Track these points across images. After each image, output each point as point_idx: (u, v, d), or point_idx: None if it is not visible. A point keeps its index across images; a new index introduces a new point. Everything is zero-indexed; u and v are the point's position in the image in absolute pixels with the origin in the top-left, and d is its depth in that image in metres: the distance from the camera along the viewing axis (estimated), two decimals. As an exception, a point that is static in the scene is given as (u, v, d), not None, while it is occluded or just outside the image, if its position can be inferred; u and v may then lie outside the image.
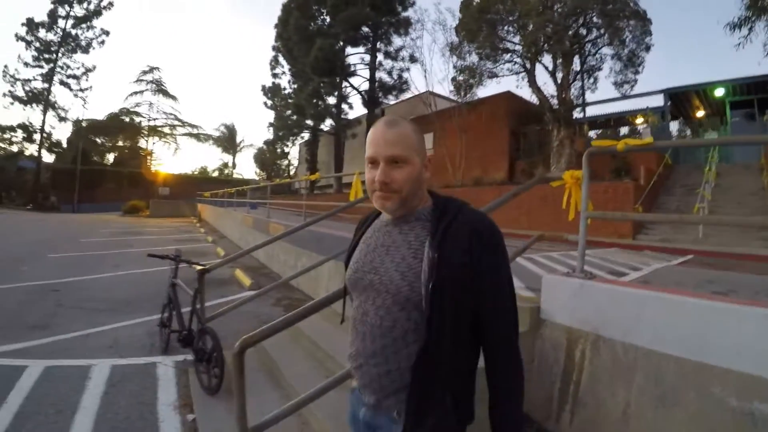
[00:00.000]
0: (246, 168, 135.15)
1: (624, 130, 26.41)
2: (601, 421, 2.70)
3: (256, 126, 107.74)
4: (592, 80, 21.54)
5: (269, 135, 52.31)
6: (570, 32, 18.46)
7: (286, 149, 57.40)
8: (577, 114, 22.50)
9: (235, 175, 64.94)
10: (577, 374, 2.92)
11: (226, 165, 69.00)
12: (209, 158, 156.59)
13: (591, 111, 24.81)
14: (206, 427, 3.13)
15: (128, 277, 9.01)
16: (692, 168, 18.40)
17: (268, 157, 59.82)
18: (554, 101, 19.39)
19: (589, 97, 22.83)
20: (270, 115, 50.75)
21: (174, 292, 4.68)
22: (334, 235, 6.44)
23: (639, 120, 23.61)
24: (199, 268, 4.03)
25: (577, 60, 20.11)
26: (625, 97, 21.68)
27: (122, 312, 6.34)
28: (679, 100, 23.40)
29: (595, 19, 18.61)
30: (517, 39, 20.08)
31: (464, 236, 1.16)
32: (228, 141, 65.00)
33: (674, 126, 24.95)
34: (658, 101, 22.87)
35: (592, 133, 27.25)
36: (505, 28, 20.07)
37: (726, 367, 2.21)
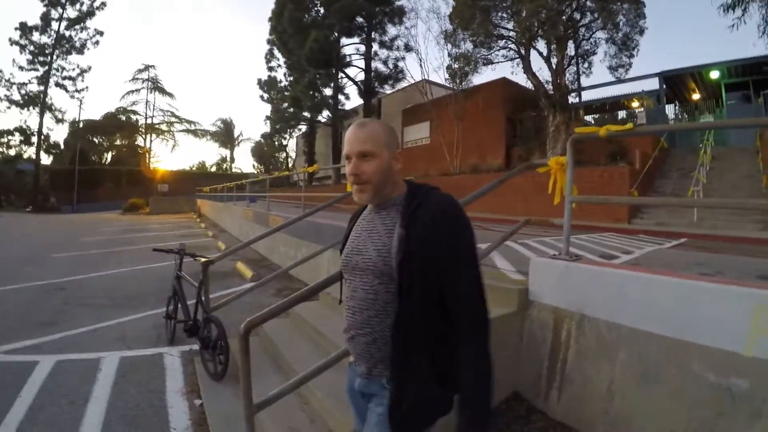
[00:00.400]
0: (244, 162, 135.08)
1: (622, 114, 26.43)
2: (588, 397, 2.79)
3: (254, 119, 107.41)
4: (586, 65, 21.68)
5: (266, 128, 52.38)
6: (564, 17, 18.46)
7: (284, 142, 57.75)
8: (572, 99, 22.54)
9: (233, 170, 65.15)
10: (563, 353, 3.01)
11: (224, 159, 69.15)
12: (207, 153, 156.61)
13: (587, 96, 24.85)
14: (213, 411, 3.29)
15: (131, 273, 9.16)
16: (688, 151, 18.49)
17: (266, 151, 59.90)
18: (549, 87, 19.44)
19: (584, 81, 22.85)
20: (267, 109, 50.73)
21: (179, 285, 4.81)
22: (332, 225, 6.55)
23: (635, 104, 23.63)
24: (203, 260, 4.20)
25: (571, 45, 20.15)
26: (620, 81, 21.75)
27: (128, 307, 6.49)
28: (675, 83, 23.38)
29: (588, 3, 18.59)
30: (510, 25, 20.11)
31: (429, 215, 1.30)
32: (225, 135, 65.06)
33: (670, 109, 24.94)
34: (654, 84, 22.95)
35: (588, 118, 27.26)
36: (499, 14, 20.07)
37: (704, 344, 2.30)
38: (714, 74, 21.40)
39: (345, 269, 1.52)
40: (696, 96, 24.05)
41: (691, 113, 23.75)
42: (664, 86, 22.79)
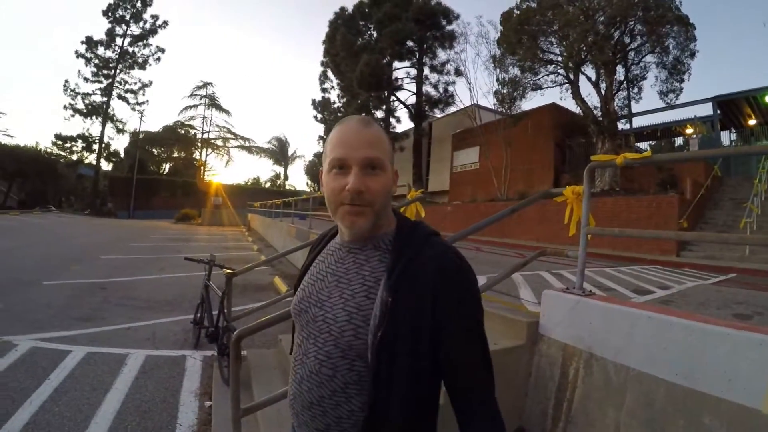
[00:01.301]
0: (298, 179, 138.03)
1: (678, 141, 25.55)
2: None
3: (308, 138, 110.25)
4: (636, 90, 21.20)
5: (320, 148, 53.50)
6: (611, 41, 18.25)
7: (337, 162, 58.33)
8: (622, 125, 22.09)
9: (287, 187, 66.61)
10: (570, 392, 2.88)
11: (278, 176, 70.85)
12: (262, 169, 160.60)
13: (637, 122, 24.24)
14: (219, 413, 3.42)
15: (172, 279, 9.51)
16: (743, 180, 17.71)
17: (319, 170, 60.87)
18: (598, 112, 19.15)
19: (635, 107, 22.35)
20: (320, 129, 51.96)
21: (207, 293, 5.03)
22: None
23: (689, 131, 22.86)
24: (227, 272, 4.39)
25: (620, 70, 19.84)
26: (671, 107, 21.24)
27: (162, 310, 6.79)
28: (729, 108, 22.50)
29: (637, 27, 18.37)
30: (558, 50, 20.00)
31: (427, 276, 0.97)
32: (279, 153, 66.72)
33: (725, 136, 23.99)
34: (707, 110, 22.14)
35: (640, 145, 26.52)
36: (547, 39, 20.02)
37: (717, 395, 2.06)
38: (770, 98, 20.39)
39: (297, 319, 1.14)
40: (752, 122, 23.06)
41: (747, 139, 22.76)
42: (718, 111, 21.92)
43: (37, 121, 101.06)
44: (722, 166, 18.79)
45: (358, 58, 30.24)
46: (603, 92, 18.97)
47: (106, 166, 51.91)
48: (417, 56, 32.67)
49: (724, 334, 2.10)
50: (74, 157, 48.87)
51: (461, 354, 0.98)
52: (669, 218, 13.68)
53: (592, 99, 19.82)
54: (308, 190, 61.64)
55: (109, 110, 47.13)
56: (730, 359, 2.04)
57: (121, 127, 48.65)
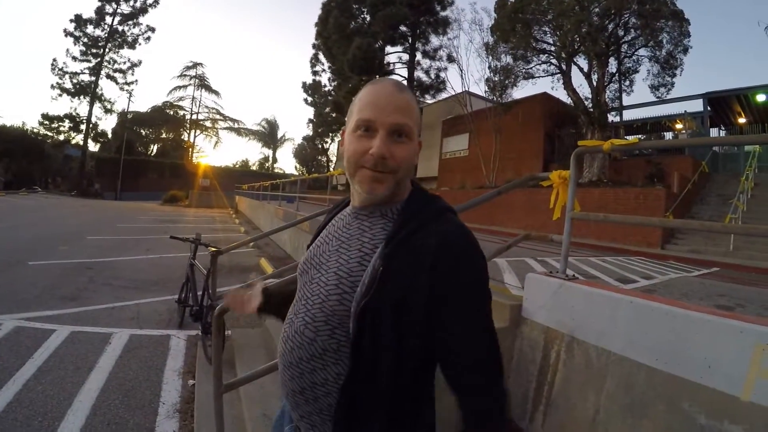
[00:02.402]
0: (287, 162, 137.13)
1: (668, 135, 25.70)
2: (571, 425, 2.65)
3: (297, 121, 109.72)
4: (628, 83, 21.24)
5: (309, 131, 53.43)
6: (605, 33, 18.28)
7: (326, 145, 58.40)
8: (612, 117, 22.15)
9: (276, 170, 66.40)
10: (551, 375, 2.88)
11: (266, 159, 70.56)
12: (250, 151, 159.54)
13: (628, 115, 24.25)
14: (202, 391, 3.44)
15: (159, 260, 9.47)
16: (730, 177, 17.83)
17: (309, 153, 60.76)
18: (589, 104, 19.20)
19: (626, 100, 22.35)
20: (310, 112, 51.74)
21: (192, 272, 5.00)
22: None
23: (679, 126, 23.01)
24: (212, 250, 4.38)
25: (613, 62, 19.88)
26: (662, 101, 21.27)
27: (148, 290, 6.78)
28: (720, 105, 22.73)
29: (632, 20, 18.41)
30: (551, 40, 19.96)
31: (429, 250, 0.91)
32: (269, 136, 66.40)
33: (714, 133, 24.18)
34: (698, 106, 22.29)
35: (631, 138, 26.63)
36: (541, 28, 19.97)
37: (697, 381, 2.07)
38: (761, 97, 20.64)
39: (299, 277, 1.13)
40: (742, 120, 23.29)
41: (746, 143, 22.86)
42: (709, 108, 22.10)
43: (24, 99, 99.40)
44: (710, 163, 18.97)
45: (351, 42, 29.97)
46: (594, 83, 18.98)
47: (93, 146, 51.21)
48: (410, 41, 32.47)
49: (705, 320, 2.11)
50: (61, 137, 48.07)
51: (457, 341, 0.91)
52: (655, 211, 13.74)
53: (584, 90, 19.87)
54: (296, 174, 61.51)
55: (97, 90, 46.32)
56: (711, 346, 2.05)
57: (109, 107, 47.85)
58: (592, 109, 18.82)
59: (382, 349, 0.90)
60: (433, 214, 0.99)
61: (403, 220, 0.97)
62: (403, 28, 31.37)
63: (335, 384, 0.96)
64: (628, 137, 25.68)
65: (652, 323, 2.33)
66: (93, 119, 47.38)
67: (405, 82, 31.25)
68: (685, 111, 22.64)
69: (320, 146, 58.58)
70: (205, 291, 4.52)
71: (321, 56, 41.24)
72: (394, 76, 33.77)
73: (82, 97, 45.99)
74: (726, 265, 10.32)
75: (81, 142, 47.27)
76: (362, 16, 33.42)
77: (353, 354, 0.92)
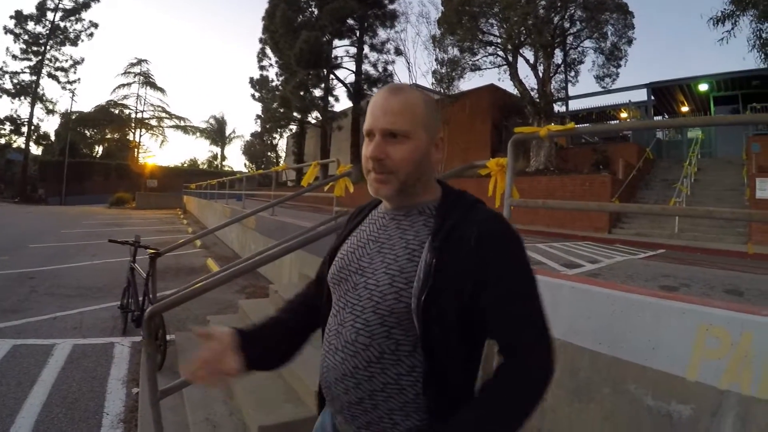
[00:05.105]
0: (236, 160, 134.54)
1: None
2: None
3: (246, 118, 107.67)
4: (573, 74, 21.71)
5: (258, 127, 52.52)
6: (551, 25, 18.66)
7: (274, 141, 57.60)
8: (559, 107, 22.74)
9: (225, 168, 64.94)
10: (496, 362, 2.88)
11: (215, 157, 69.02)
12: (199, 150, 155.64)
13: (573, 105, 24.92)
14: (147, 399, 3.39)
15: (104, 265, 9.22)
16: (674, 163, 18.56)
17: (258, 149, 59.83)
18: (535, 94, 19.60)
19: (572, 91, 22.96)
20: (258, 107, 50.73)
21: (132, 276, 4.91)
22: (296, 224, 6.66)
23: (623, 114, 23.79)
24: (151, 252, 4.30)
25: (559, 53, 20.34)
26: (608, 91, 21.85)
27: (92, 297, 6.61)
28: (663, 94, 23.53)
29: (577, 13, 18.83)
30: (498, 32, 20.26)
31: (472, 239, 0.96)
32: (217, 133, 64.94)
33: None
34: (642, 96, 22.98)
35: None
36: (488, 21, 20.22)
37: (642, 363, 2.09)
38: (703, 87, 21.43)
39: (334, 287, 1.12)
40: (685, 108, 24.19)
41: (679, 126, 23.77)
42: (653, 98, 22.86)
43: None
44: (654, 150, 19.71)
45: (298, 35, 29.54)
46: (541, 75, 19.37)
47: (36, 150, 48.60)
48: (357, 34, 32.29)
49: (647, 303, 2.13)
50: (2, 141, 45.45)
51: (504, 323, 0.97)
52: (601, 197, 14.15)
53: (530, 81, 20.19)
54: (246, 171, 60.55)
55: (38, 90, 43.89)
56: (654, 328, 2.07)
57: (51, 107, 45.29)
58: (538, 100, 19.23)
59: (450, 337, 0.95)
60: (468, 206, 1.05)
61: (444, 215, 1.02)
62: (350, 22, 31.18)
63: (396, 386, 0.98)
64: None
65: (594, 307, 2.35)
66: (35, 121, 45.03)
67: (352, 76, 31.42)
68: (630, 100, 23.33)
69: (269, 142, 57.67)
70: (145, 295, 4.46)
71: (268, 51, 40.34)
72: (341, 70, 33.82)
73: (23, 97, 43.45)
74: (672, 246, 10.70)
75: (23, 146, 44.67)
76: (310, 9, 33.08)
77: (425, 348, 0.95)
